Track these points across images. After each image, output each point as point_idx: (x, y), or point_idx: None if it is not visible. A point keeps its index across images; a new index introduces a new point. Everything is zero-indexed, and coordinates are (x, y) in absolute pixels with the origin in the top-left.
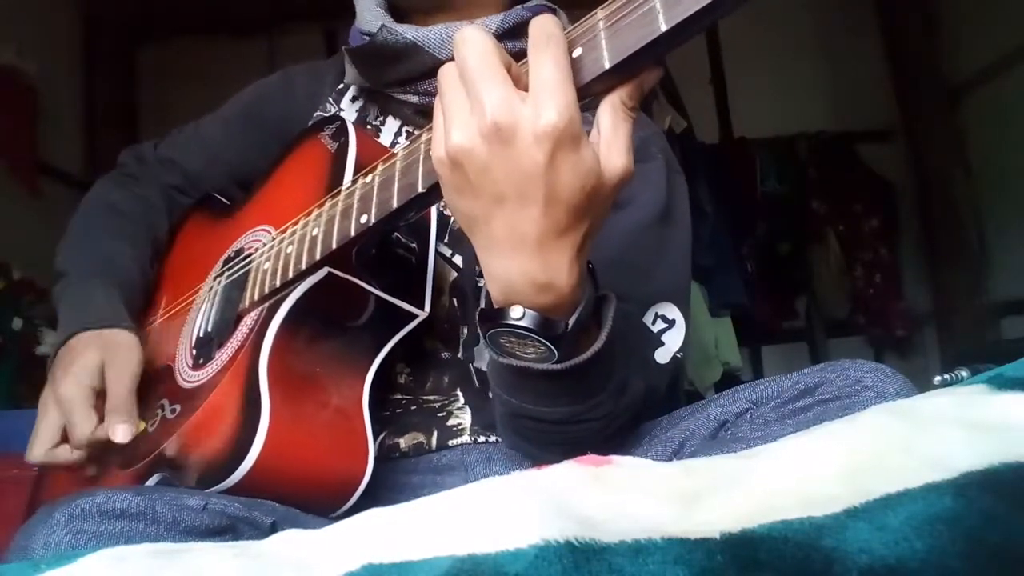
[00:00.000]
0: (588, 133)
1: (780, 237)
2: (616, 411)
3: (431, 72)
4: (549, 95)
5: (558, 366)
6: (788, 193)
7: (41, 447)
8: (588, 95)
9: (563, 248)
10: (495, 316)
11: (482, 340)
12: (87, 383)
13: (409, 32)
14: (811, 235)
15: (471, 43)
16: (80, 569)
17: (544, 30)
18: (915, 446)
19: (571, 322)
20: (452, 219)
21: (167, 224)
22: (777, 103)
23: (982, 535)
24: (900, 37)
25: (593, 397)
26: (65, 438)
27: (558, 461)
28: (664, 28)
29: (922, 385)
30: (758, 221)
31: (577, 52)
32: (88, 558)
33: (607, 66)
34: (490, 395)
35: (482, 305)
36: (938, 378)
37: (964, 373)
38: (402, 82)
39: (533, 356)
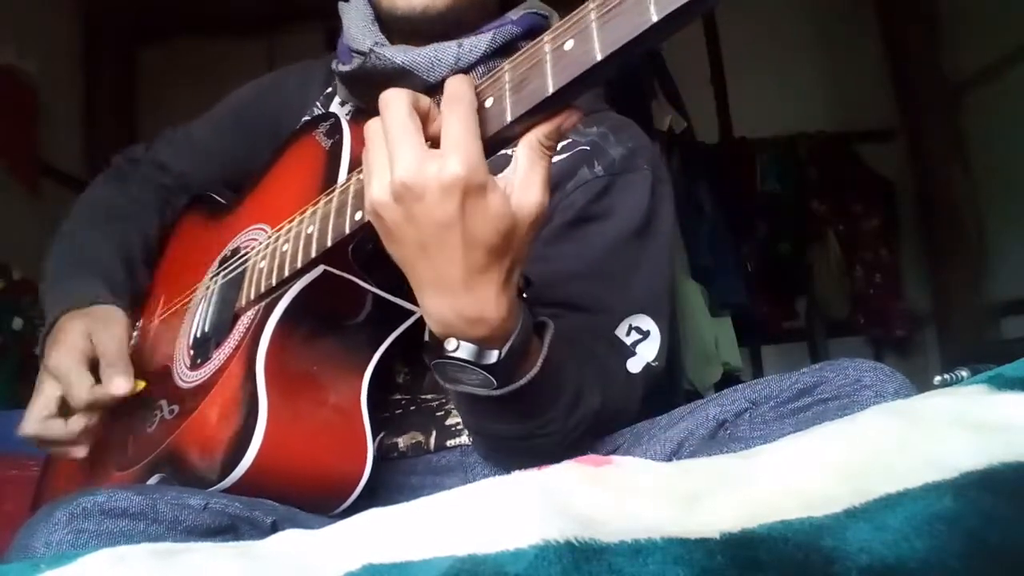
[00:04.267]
0: (593, 152)
1: (780, 237)
2: (567, 427)
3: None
4: (453, 149)
5: (497, 392)
6: (788, 193)
7: (34, 418)
8: (581, 87)
9: (488, 284)
10: (436, 348)
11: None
12: (79, 347)
13: (398, 57)
14: (811, 235)
15: (392, 106)
16: (80, 569)
17: (454, 91)
18: (915, 446)
19: (504, 351)
20: None
21: (158, 222)
22: (777, 103)
23: (982, 535)
24: (900, 37)
25: (543, 415)
26: (60, 412)
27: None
28: (656, 18)
29: (922, 385)
30: (758, 221)
31: (569, 44)
32: (88, 558)
33: (599, 58)
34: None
35: (426, 338)
36: (938, 378)
37: (964, 373)
38: None
39: (476, 382)
